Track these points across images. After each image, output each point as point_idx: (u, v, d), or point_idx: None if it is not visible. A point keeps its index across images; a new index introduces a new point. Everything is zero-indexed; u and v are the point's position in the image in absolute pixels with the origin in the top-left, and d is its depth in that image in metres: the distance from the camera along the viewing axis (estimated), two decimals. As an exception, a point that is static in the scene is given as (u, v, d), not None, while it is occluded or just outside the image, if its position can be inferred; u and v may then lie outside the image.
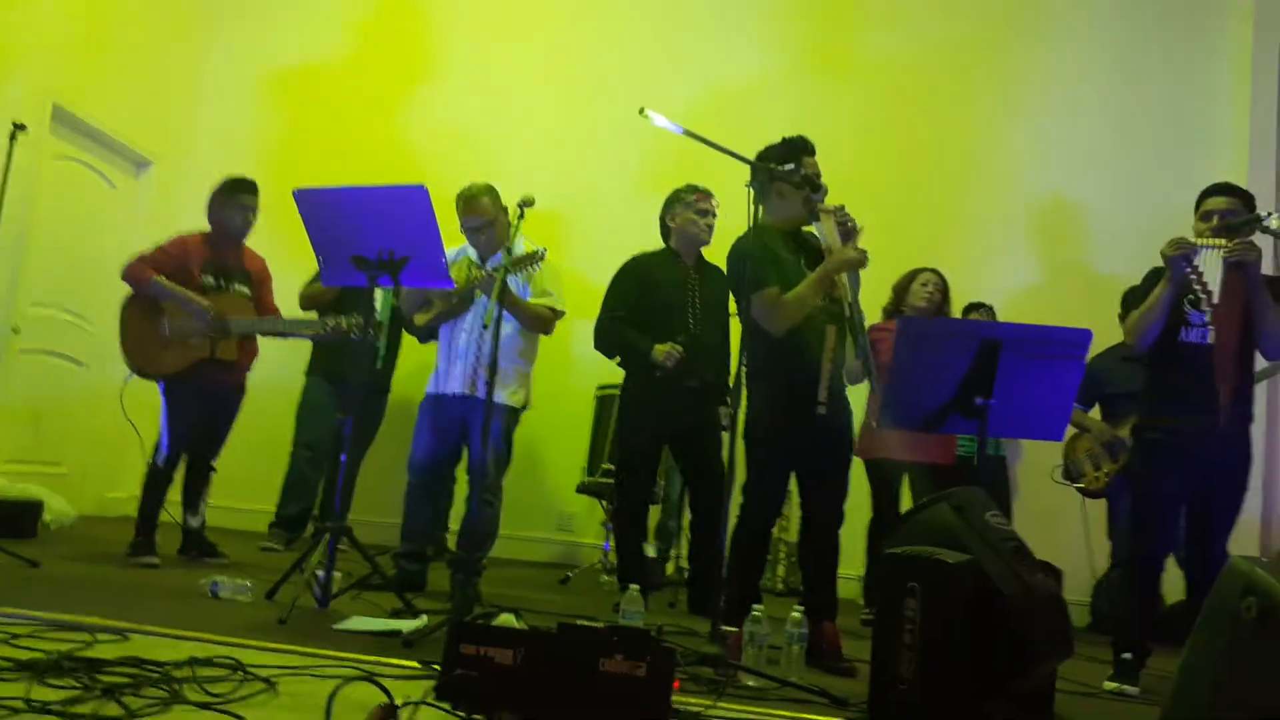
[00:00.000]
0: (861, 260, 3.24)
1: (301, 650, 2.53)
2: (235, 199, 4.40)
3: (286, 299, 4.77)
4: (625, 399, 4.37)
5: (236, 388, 4.46)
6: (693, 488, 4.30)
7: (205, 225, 4.44)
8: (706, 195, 4.30)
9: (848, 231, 3.25)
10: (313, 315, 4.79)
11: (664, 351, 4.07)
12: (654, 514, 5.01)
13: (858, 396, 3.71)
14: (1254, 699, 1.81)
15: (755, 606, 2.90)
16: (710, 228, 4.29)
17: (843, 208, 3.29)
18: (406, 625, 2.98)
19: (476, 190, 4.05)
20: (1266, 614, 1.93)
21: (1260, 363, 3.60)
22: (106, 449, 5.66)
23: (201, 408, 4.33)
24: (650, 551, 4.69)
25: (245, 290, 4.39)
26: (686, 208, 4.26)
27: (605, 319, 4.31)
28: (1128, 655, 3.35)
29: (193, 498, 4.43)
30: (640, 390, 4.24)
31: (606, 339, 4.32)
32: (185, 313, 4.18)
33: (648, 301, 4.23)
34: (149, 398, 4.36)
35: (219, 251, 4.38)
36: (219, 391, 4.38)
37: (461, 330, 4.03)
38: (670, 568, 5.03)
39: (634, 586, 3.05)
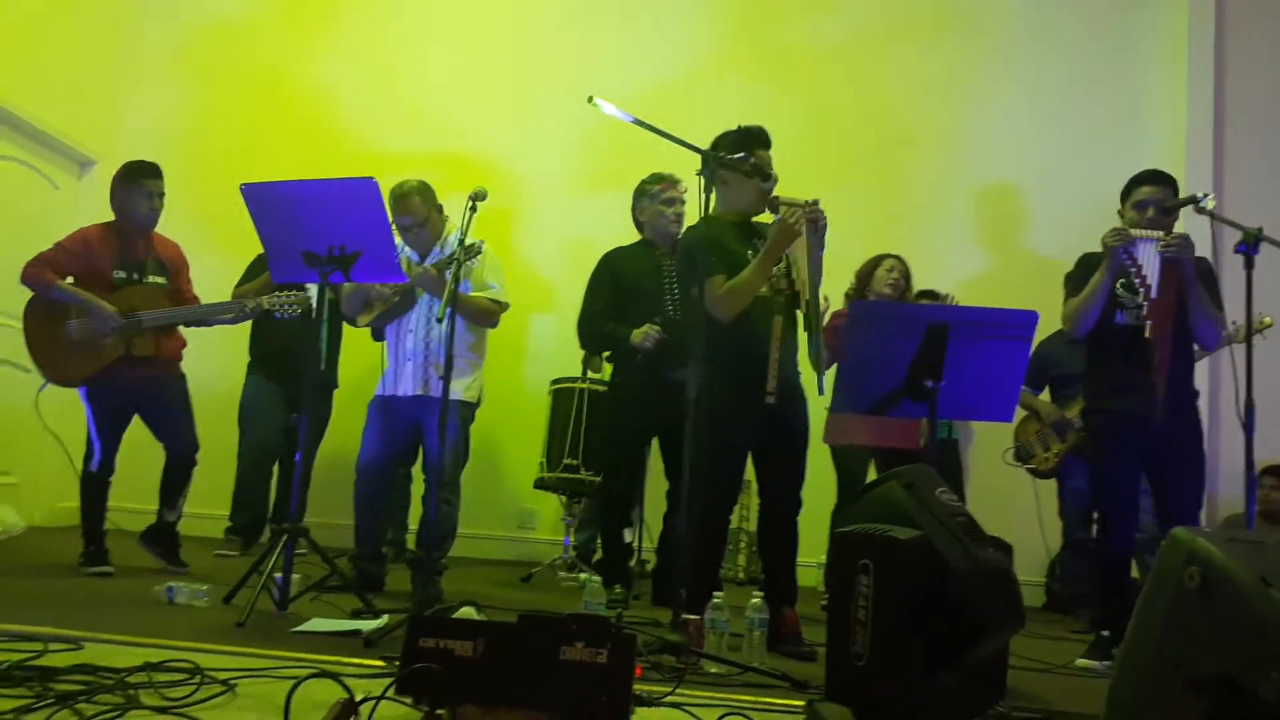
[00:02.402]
0: (795, 230, 3.20)
1: (260, 653, 2.52)
2: (137, 185, 4.14)
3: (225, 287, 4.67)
4: (612, 393, 4.46)
5: (167, 377, 4.22)
6: (676, 481, 4.30)
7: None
8: (672, 183, 4.33)
9: (817, 228, 3.25)
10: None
11: (641, 334, 4.12)
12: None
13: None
14: (1193, 664, 1.86)
15: (715, 594, 2.93)
16: (680, 216, 4.33)
17: (815, 202, 3.27)
18: (367, 625, 2.97)
19: (408, 188, 3.95)
20: (1208, 582, 1.99)
21: None
22: (56, 458, 5.54)
23: (132, 406, 4.18)
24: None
25: (160, 280, 4.20)
26: (652, 200, 4.32)
27: (583, 316, 4.43)
28: (1106, 633, 3.42)
29: (171, 495, 4.25)
30: (625, 384, 4.31)
31: (587, 336, 4.46)
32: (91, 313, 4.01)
33: (622, 293, 4.29)
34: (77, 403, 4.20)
35: (127, 242, 4.17)
36: (146, 386, 4.14)
37: (408, 331, 3.97)
38: (631, 560, 5.04)
39: (595, 577, 3.06)
